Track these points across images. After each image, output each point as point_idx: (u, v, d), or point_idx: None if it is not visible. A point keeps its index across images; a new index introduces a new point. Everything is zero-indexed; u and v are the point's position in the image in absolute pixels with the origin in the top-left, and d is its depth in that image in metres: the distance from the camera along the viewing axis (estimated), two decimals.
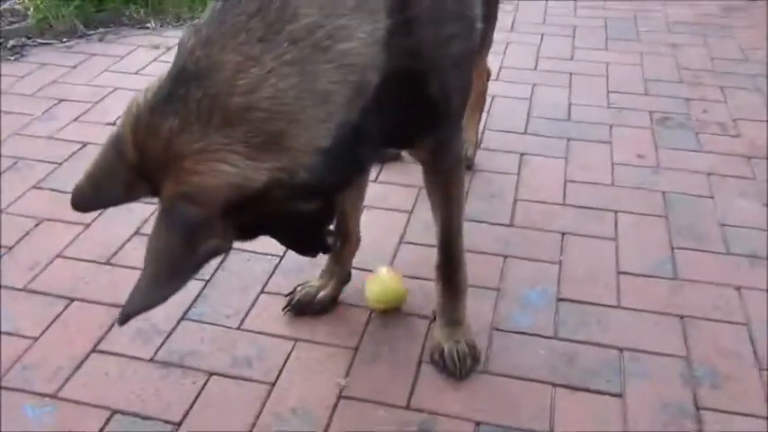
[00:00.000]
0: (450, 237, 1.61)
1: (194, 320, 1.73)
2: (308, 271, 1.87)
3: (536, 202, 2.19)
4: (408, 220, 2.08)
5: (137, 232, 2.02)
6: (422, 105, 1.29)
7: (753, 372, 1.60)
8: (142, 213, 2.06)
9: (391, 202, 2.15)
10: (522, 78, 2.96)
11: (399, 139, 1.41)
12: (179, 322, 1.72)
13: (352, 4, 1.11)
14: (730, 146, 2.48)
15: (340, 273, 1.79)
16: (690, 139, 2.53)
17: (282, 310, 1.75)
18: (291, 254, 1.92)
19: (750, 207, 2.16)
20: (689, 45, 3.29)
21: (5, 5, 3.56)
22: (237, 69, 1.04)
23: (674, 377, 1.59)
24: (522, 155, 2.43)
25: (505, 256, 1.95)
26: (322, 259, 1.80)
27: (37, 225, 2.06)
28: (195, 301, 1.78)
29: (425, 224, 2.01)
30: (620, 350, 1.65)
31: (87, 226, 2.04)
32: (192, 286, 1.82)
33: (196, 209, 1.04)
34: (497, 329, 1.71)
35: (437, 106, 1.33)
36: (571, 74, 2.99)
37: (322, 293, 1.77)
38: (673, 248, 1.98)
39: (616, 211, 2.13)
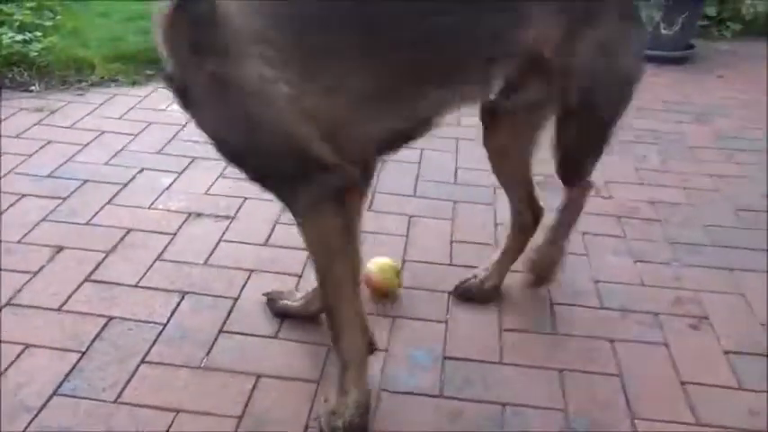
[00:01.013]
0: (324, 304, 1.60)
1: (67, 395, 1.64)
2: (192, 337, 1.83)
3: (424, 262, 2.24)
4: (297, 284, 2.08)
5: None
6: None
7: (625, 420, 1.68)
8: None
9: (281, 265, 2.15)
10: (412, 143, 3.06)
11: None
12: (50, 398, 1.62)
13: None
14: (603, 207, 2.65)
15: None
16: None
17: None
18: (176, 321, 1.90)
19: (621, 263, 2.30)
20: None
21: None
22: None
23: (553, 430, 1.64)
24: (410, 217, 2.50)
25: (394, 317, 1.98)
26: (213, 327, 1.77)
27: None
28: (69, 374, 1.69)
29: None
30: (503, 405, 1.69)
31: None
32: (66, 358, 1.73)
33: None
34: (385, 390, 1.72)
35: None
36: (458, 139, 3.13)
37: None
38: (552, 305, 2.07)
39: None
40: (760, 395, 1.78)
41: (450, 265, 2.25)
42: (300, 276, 2.11)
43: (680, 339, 1.96)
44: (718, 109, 3.69)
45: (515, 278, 2.17)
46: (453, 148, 3.06)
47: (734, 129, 3.44)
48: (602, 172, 2.89)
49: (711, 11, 4.96)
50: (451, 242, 2.37)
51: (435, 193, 2.68)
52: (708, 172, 2.97)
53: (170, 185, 2.57)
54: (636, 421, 1.68)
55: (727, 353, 1.92)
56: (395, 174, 2.78)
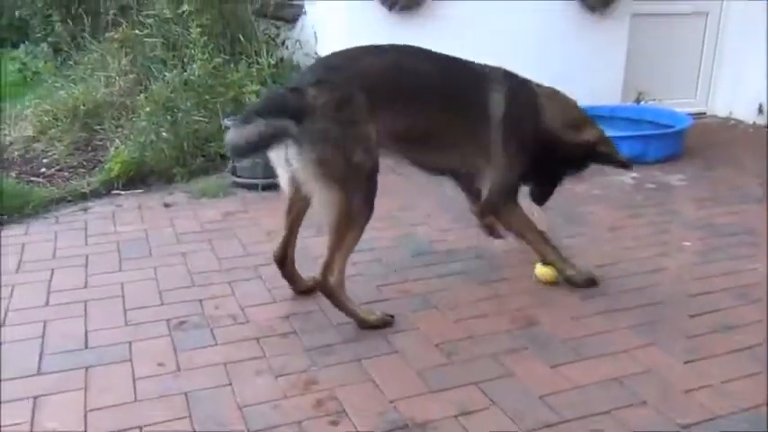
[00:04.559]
0: None
1: None
2: None
3: None
4: None
5: None
6: None
7: None
8: None
9: None
10: (32, 318, 2.82)
11: None
12: None
13: None
14: (242, 332, 2.72)
15: None
16: (206, 336, 2.70)
17: None
18: None
19: (264, 382, 2.37)
20: (197, 251, 3.57)
21: None
22: None
23: None
24: (35, 398, 2.27)
25: None
26: None
27: None
28: None
29: None
30: None
31: None
32: None
33: None
34: None
35: None
36: (86, 302, 2.97)
37: None
38: None
39: (142, 427, 2.12)
40: None
41: None
42: None
43: None
44: None
45: (157, 429, 2.10)
46: (82, 311, 2.89)
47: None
48: (237, 299, 3.02)
49: None
50: (86, 412, 2.20)
51: (63, 364, 2.48)
52: None
53: None
54: None
55: None
56: (13, 356, 2.52)
